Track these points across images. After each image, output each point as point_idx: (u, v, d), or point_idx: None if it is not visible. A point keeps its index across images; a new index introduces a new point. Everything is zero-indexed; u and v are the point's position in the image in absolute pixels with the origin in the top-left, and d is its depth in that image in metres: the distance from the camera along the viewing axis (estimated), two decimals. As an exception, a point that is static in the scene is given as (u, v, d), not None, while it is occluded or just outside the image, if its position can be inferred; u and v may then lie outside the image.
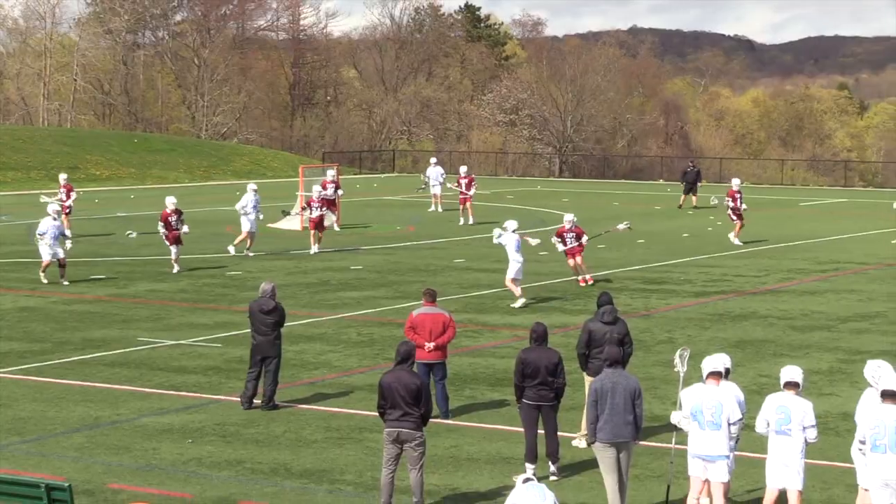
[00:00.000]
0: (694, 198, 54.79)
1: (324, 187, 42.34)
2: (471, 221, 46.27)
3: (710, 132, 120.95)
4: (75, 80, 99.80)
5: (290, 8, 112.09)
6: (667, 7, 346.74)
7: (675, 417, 13.95)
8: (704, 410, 13.50)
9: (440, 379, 18.19)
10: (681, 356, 14.83)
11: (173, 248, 32.94)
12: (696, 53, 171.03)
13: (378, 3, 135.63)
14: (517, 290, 28.16)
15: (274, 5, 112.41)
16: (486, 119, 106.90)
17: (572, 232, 30.87)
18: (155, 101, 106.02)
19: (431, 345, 17.91)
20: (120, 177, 72.08)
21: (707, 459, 13.55)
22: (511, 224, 28.45)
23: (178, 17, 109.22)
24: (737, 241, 40.21)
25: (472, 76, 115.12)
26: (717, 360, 13.90)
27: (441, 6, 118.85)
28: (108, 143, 79.58)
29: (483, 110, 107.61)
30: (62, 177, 43.21)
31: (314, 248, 37.24)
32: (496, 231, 29.07)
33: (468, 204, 47.13)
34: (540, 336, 15.69)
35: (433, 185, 52.38)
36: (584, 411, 14.61)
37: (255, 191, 36.86)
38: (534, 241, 30.35)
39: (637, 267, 35.29)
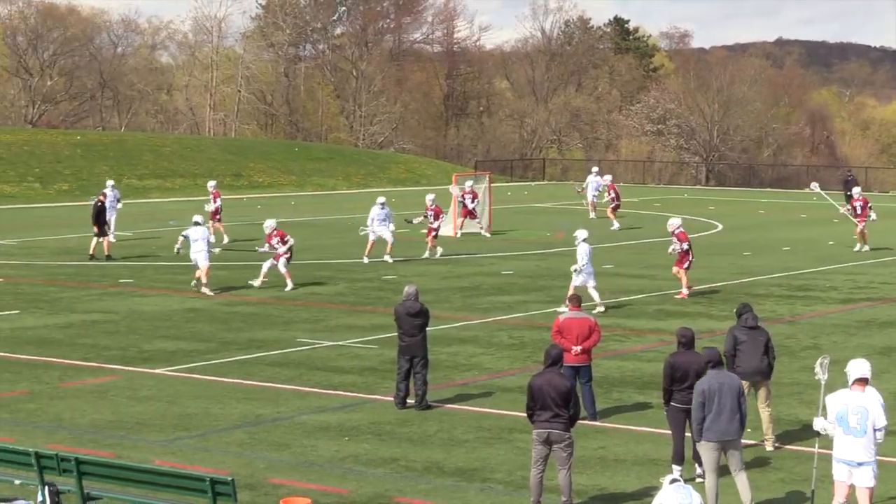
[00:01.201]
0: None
1: (463, 196, 44.61)
2: (614, 226, 47.28)
3: (856, 141, 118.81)
4: (239, 91, 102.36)
5: (445, 22, 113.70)
6: (813, 19, 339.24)
7: (819, 424, 13.86)
8: (850, 416, 13.39)
9: (586, 381, 18.34)
10: (821, 364, 14.82)
11: (271, 263, 31.39)
12: (841, 64, 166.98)
13: (529, 16, 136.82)
14: (597, 297, 28.26)
15: (429, 19, 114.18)
16: (634, 128, 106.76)
17: (674, 236, 30.42)
18: (315, 111, 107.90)
19: (578, 348, 18.07)
20: (281, 184, 73.56)
21: (852, 465, 13.47)
22: (582, 233, 28.55)
23: (337, 31, 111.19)
24: (865, 248, 40.50)
25: (621, 87, 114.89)
26: (864, 366, 13.77)
27: (590, 19, 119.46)
28: (270, 151, 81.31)
29: (631, 120, 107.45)
30: (210, 184, 43.60)
31: (427, 253, 38.10)
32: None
33: (614, 210, 48.60)
34: (688, 341, 15.81)
35: (590, 193, 53.03)
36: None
37: (382, 204, 36.86)
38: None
39: (782, 274, 35.11)
